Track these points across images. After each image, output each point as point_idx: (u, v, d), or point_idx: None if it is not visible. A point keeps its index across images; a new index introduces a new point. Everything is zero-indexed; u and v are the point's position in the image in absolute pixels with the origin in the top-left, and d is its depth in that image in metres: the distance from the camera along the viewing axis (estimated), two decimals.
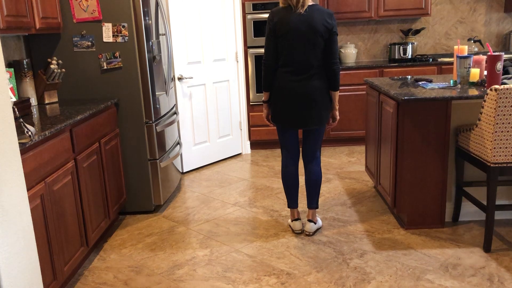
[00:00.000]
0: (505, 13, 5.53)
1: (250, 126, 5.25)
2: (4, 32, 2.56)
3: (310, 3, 2.85)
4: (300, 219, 3.21)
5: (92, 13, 3.31)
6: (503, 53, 2.92)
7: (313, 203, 3.15)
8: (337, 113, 3.06)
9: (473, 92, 2.91)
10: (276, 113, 3.00)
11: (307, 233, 3.14)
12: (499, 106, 2.55)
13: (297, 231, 3.18)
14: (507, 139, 2.61)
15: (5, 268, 1.71)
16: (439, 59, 5.17)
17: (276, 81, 2.95)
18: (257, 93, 5.15)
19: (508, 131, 2.59)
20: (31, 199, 2.15)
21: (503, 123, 2.58)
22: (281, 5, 2.92)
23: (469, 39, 5.38)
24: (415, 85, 3.34)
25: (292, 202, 3.19)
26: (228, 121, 5.05)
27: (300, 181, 4.08)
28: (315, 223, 3.15)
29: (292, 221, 3.22)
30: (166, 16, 3.84)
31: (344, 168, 4.57)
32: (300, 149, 3.40)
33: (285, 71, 2.92)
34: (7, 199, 1.74)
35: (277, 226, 3.32)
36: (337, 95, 2.99)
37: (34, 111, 3.00)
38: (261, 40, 5.00)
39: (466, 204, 3.23)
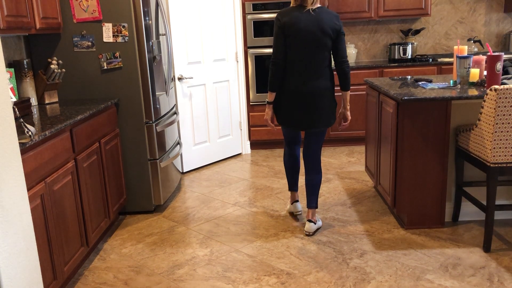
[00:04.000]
0: (505, 13, 5.53)
1: (250, 126, 5.25)
2: (4, 32, 2.56)
3: (318, 5, 2.89)
4: (299, 201, 3.42)
5: (92, 13, 3.32)
6: (502, 53, 2.93)
7: (312, 203, 3.15)
8: (348, 113, 3.09)
9: (473, 92, 2.91)
10: (283, 115, 3.02)
11: (307, 233, 3.14)
12: (499, 106, 2.55)
13: (297, 213, 3.39)
14: (506, 139, 2.61)
15: (5, 268, 1.71)
16: (439, 59, 5.17)
17: (283, 82, 2.96)
18: (257, 93, 5.15)
19: (508, 131, 2.59)
20: (31, 199, 2.16)
21: (502, 123, 2.58)
22: (292, 4, 2.94)
23: (469, 39, 5.39)
24: (415, 85, 3.34)
25: (293, 185, 3.37)
26: (228, 121, 5.05)
27: (301, 181, 4.08)
28: (314, 223, 3.15)
29: (292, 203, 3.42)
30: (166, 16, 3.84)
31: (344, 168, 4.57)
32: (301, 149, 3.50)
33: (293, 71, 2.93)
34: (7, 199, 1.74)
35: (277, 226, 3.32)
36: (348, 95, 3.01)
37: (34, 111, 3.00)
38: (261, 40, 5.00)
39: (466, 204, 3.23)
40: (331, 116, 3.00)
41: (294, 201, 3.41)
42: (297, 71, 2.91)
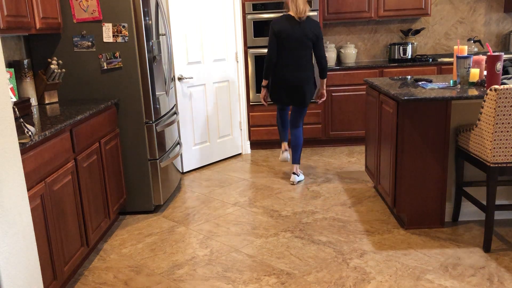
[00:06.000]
0: (505, 13, 5.53)
1: (250, 126, 5.25)
2: (4, 32, 2.56)
3: (307, 15, 3.83)
4: (287, 150, 4.24)
5: (92, 13, 3.32)
6: (502, 53, 2.92)
7: (296, 159, 4.17)
8: (324, 92, 4.15)
9: (473, 92, 2.91)
10: (277, 97, 4.02)
11: (291, 182, 4.17)
12: (499, 106, 2.55)
13: (284, 160, 4.25)
14: (506, 139, 2.61)
15: (5, 268, 1.71)
16: (439, 59, 5.17)
17: (278, 73, 3.93)
18: (257, 93, 5.16)
19: (508, 131, 2.60)
20: (31, 199, 2.16)
21: (502, 123, 2.58)
22: (289, 12, 3.87)
23: (469, 39, 5.39)
24: (415, 85, 3.34)
25: (284, 137, 4.26)
26: (228, 121, 5.05)
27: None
28: (298, 176, 4.18)
29: (282, 153, 4.24)
30: (166, 16, 3.84)
31: (344, 168, 4.57)
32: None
33: (284, 65, 3.90)
34: (7, 199, 1.74)
35: (277, 226, 3.32)
36: (325, 81, 4.09)
37: (34, 111, 3.00)
38: (261, 40, 5.00)
39: (466, 204, 3.23)
40: (311, 97, 4.03)
41: (284, 150, 4.24)
42: (287, 65, 3.89)
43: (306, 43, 3.83)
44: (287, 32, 3.80)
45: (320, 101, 4.21)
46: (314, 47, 3.89)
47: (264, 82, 4.03)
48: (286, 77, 3.89)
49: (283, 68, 3.89)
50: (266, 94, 4.11)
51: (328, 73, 5.11)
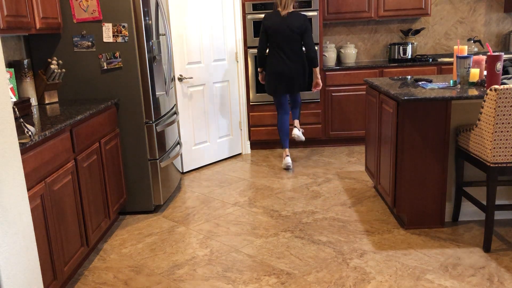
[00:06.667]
0: (505, 13, 5.53)
1: (250, 126, 5.25)
2: (4, 32, 2.56)
3: (291, 10, 4.25)
4: (289, 156, 4.58)
5: (92, 13, 3.32)
6: (502, 53, 2.92)
7: (296, 115, 4.61)
8: (319, 81, 4.50)
9: (473, 92, 2.91)
10: (271, 87, 4.43)
11: (293, 136, 4.53)
12: (499, 106, 2.55)
13: (287, 165, 4.52)
14: (506, 139, 2.61)
15: (5, 268, 1.71)
16: (439, 59, 5.17)
17: (270, 64, 4.38)
18: (257, 93, 5.16)
19: (508, 131, 2.60)
20: (31, 199, 2.16)
21: (502, 123, 2.58)
22: (275, 8, 4.26)
23: (469, 39, 5.39)
24: (415, 85, 3.34)
25: (285, 144, 4.58)
26: (228, 121, 5.05)
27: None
28: (299, 130, 4.56)
29: (284, 158, 4.57)
30: (166, 16, 3.84)
31: (344, 168, 4.57)
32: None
33: (276, 57, 4.33)
34: (7, 199, 1.74)
35: (277, 226, 3.32)
36: (317, 70, 4.44)
37: (34, 111, 3.00)
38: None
39: (466, 204, 3.23)
40: (302, 84, 4.41)
41: (286, 156, 4.56)
42: (279, 57, 4.32)
43: (294, 35, 4.22)
44: (276, 27, 4.22)
45: (315, 90, 4.56)
46: (302, 39, 4.25)
47: (260, 69, 4.56)
48: (277, 68, 4.32)
49: (274, 60, 4.32)
50: (264, 76, 4.55)
51: (328, 73, 5.12)
